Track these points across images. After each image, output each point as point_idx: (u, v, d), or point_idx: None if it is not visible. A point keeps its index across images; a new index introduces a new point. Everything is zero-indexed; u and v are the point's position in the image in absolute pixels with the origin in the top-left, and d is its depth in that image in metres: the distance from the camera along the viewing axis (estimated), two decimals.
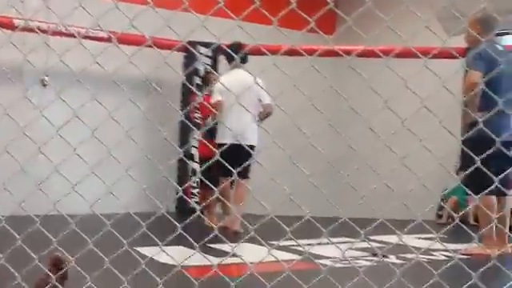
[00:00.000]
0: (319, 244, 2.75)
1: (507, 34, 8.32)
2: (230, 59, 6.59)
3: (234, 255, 2.53)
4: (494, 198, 5.08)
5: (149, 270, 2.49)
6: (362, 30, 2.33)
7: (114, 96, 2.77)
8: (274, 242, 2.76)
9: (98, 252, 2.59)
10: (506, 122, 4.77)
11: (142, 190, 8.53)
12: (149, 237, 2.50)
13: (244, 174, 6.46)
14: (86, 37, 6.85)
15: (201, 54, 8.31)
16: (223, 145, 5.85)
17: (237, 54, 5.79)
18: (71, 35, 6.58)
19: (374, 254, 4.82)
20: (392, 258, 4.66)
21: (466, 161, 5.04)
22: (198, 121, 8.43)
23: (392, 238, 3.05)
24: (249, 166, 6.26)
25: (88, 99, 2.58)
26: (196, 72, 8.53)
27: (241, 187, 6.71)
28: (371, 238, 5.54)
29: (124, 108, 2.62)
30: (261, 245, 2.67)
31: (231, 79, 6.31)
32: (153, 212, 2.62)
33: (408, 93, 2.28)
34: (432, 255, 4.84)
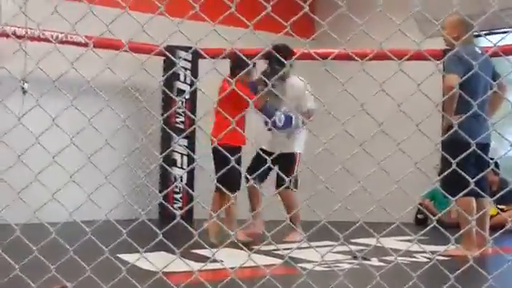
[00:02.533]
0: (300, 248, 2.76)
1: (481, 35, 8.39)
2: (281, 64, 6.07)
3: (215, 260, 2.53)
4: (472, 200, 5.11)
5: (129, 277, 2.48)
6: (343, 32, 2.33)
7: (96, 101, 2.77)
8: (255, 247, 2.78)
9: (79, 260, 2.58)
10: (482, 125, 4.79)
11: (128, 197, 8.56)
12: (133, 244, 2.50)
13: None
14: (65, 42, 6.83)
15: (180, 58, 8.29)
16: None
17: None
18: (49, 40, 6.56)
19: (356, 258, 4.83)
20: (374, 261, 4.68)
21: (444, 163, 5.07)
22: (180, 126, 8.42)
23: (374, 241, 3.05)
24: None
25: (68, 105, 2.57)
26: (176, 77, 8.52)
27: None
28: (355, 241, 5.56)
29: (106, 113, 2.62)
30: (242, 250, 2.68)
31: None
32: (135, 219, 2.62)
33: (389, 95, 2.30)
34: (413, 257, 4.87)
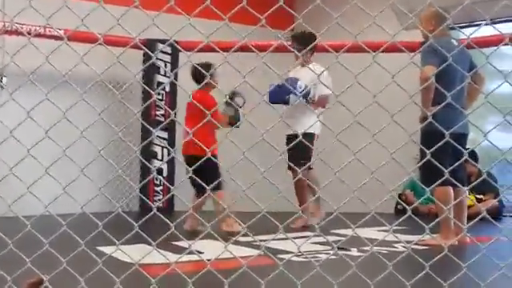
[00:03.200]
0: (277, 239, 2.78)
1: (460, 27, 8.48)
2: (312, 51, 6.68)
3: (192, 252, 2.54)
4: (449, 189, 5.15)
5: (107, 269, 2.49)
6: (324, 24, 2.33)
7: (76, 94, 2.76)
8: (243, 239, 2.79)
9: (54, 252, 2.58)
10: (459, 115, 4.81)
11: (107, 189, 8.44)
12: (113, 236, 2.51)
13: None
14: (42, 35, 6.78)
15: (157, 51, 8.24)
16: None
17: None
18: (27, 33, 6.51)
19: (338, 248, 4.85)
20: (354, 251, 4.71)
21: (422, 154, 5.11)
22: (161, 118, 8.39)
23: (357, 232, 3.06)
24: None
25: (43, 99, 2.56)
26: (156, 70, 8.49)
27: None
28: (336, 232, 5.59)
29: (87, 106, 2.62)
30: (223, 241, 2.68)
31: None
32: (117, 211, 2.62)
33: (364, 87, 2.31)
34: (393, 247, 4.91)
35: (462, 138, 5.20)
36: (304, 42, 6.32)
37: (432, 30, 4.99)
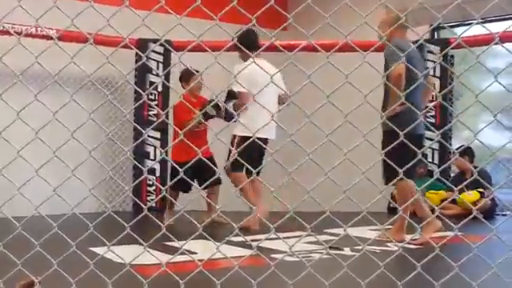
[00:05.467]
0: (270, 239, 2.77)
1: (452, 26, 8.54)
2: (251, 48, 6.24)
3: (183, 253, 2.53)
4: (412, 183, 5.28)
5: (99, 271, 2.48)
6: (317, 23, 2.32)
7: (66, 94, 2.75)
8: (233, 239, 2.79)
9: (46, 254, 2.57)
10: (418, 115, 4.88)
11: (102, 189, 8.42)
12: (106, 237, 2.50)
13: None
14: (33, 35, 6.76)
15: (150, 50, 8.22)
16: (249, 138, 6.12)
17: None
18: (17, 33, 6.48)
19: (331, 247, 4.85)
20: (347, 251, 4.72)
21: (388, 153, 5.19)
22: (153, 118, 8.38)
23: (350, 231, 3.06)
24: None
25: (43, 98, 2.55)
26: (149, 70, 8.46)
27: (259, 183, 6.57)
28: (331, 231, 5.59)
29: (86, 105, 2.61)
30: (219, 241, 2.68)
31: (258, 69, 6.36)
32: (114, 211, 2.61)
33: (356, 87, 2.31)
34: (386, 246, 4.91)
35: (422, 138, 5.48)
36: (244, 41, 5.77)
37: (391, 33, 5.13)
